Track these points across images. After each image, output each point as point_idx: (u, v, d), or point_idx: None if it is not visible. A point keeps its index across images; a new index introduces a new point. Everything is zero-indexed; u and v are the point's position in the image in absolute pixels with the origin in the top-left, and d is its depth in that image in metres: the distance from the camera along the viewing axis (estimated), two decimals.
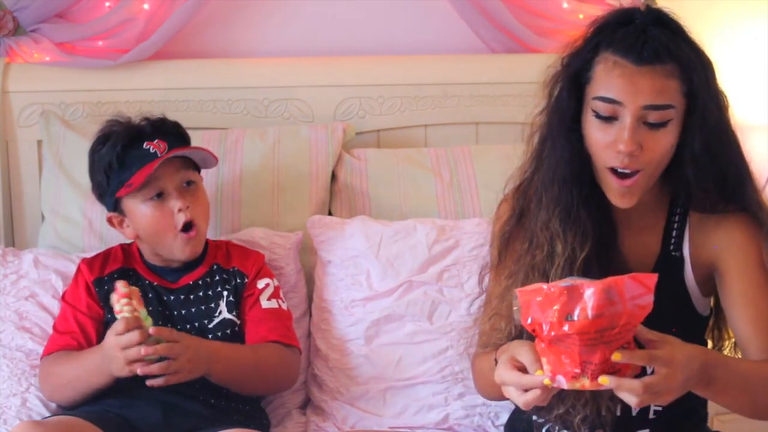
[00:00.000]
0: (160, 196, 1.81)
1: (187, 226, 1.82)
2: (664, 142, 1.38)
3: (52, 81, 2.34)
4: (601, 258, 1.46)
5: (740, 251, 1.43)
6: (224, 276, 1.87)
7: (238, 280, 1.87)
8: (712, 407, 1.67)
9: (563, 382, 1.15)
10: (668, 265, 1.48)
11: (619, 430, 1.50)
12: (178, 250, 1.82)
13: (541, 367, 1.19)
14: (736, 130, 1.46)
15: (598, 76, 1.40)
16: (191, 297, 1.85)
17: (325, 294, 2.03)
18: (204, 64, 2.42)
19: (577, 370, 1.14)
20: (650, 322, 1.45)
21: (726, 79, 2.65)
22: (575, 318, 1.08)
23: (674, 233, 1.48)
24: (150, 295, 1.83)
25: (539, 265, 1.46)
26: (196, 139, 2.25)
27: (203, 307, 1.84)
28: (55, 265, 2.03)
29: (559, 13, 2.47)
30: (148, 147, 1.80)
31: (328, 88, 2.39)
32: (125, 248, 1.92)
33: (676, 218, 1.49)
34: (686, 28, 1.43)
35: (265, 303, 1.85)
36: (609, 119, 1.39)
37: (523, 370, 1.23)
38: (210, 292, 1.85)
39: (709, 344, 1.59)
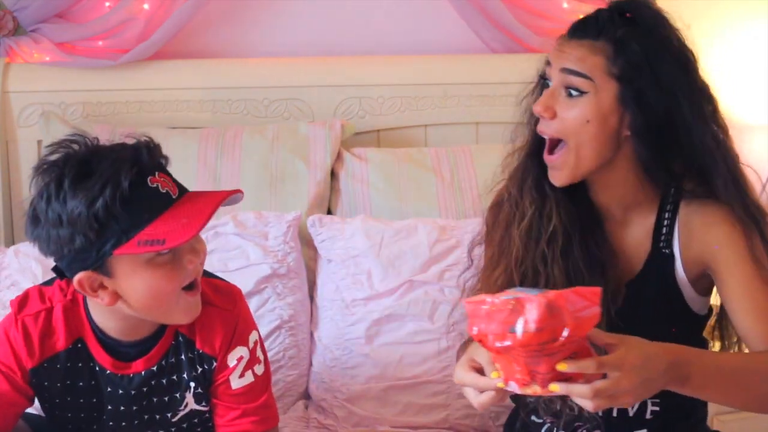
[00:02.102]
0: (172, 249, 1.36)
1: (192, 283, 1.42)
2: (577, 113, 1.40)
3: (52, 81, 2.34)
4: (585, 253, 1.47)
5: (729, 245, 1.43)
6: (189, 355, 1.49)
7: (206, 366, 1.50)
8: (712, 406, 1.67)
9: (516, 388, 1.16)
10: (659, 262, 1.49)
11: (617, 430, 1.51)
12: (182, 313, 1.43)
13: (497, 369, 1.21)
14: (705, 126, 1.43)
15: None
16: (152, 384, 1.49)
17: (325, 293, 2.03)
18: (204, 64, 2.42)
19: (527, 378, 1.15)
20: (646, 321, 1.46)
21: (726, 79, 2.66)
22: (517, 331, 1.09)
23: (664, 230, 1.49)
24: (106, 388, 1.49)
25: (516, 247, 1.50)
26: (195, 138, 2.25)
27: (166, 399, 1.51)
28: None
29: (559, 13, 2.47)
30: (155, 185, 1.33)
31: (328, 88, 2.40)
32: (67, 307, 1.47)
33: (666, 215, 1.49)
34: (656, 21, 1.43)
35: (236, 383, 1.51)
36: (546, 85, 1.46)
37: (481, 371, 1.23)
38: (174, 377, 1.50)
39: (713, 343, 1.59)
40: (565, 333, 1.08)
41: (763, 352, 1.37)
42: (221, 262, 1.99)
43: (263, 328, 1.94)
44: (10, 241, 2.33)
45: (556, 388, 1.13)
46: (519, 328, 1.08)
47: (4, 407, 1.46)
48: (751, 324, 1.39)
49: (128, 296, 1.38)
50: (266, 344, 1.93)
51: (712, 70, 2.43)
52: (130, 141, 1.37)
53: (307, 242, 2.11)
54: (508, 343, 1.09)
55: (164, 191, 1.34)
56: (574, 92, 1.41)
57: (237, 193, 1.41)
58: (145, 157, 1.34)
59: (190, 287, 1.42)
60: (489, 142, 2.39)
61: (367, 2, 2.50)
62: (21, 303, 1.48)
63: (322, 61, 2.45)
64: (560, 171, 1.44)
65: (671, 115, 1.40)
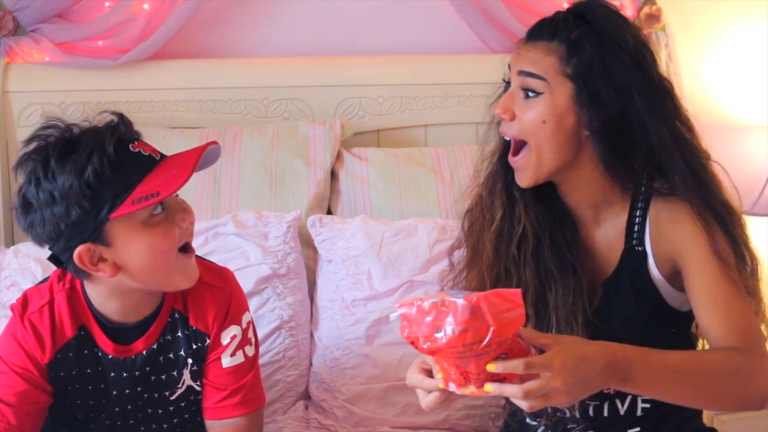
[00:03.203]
0: (164, 208, 1.42)
1: (186, 245, 1.47)
2: (533, 114, 1.43)
3: (52, 81, 2.34)
4: (556, 254, 1.49)
5: (692, 242, 1.44)
6: (185, 332, 1.53)
7: (200, 344, 1.54)
8: None
9: (455, 389, 1.19)
10: (632, 260, 1.49)
11: (610, 429, 1.52)
12: (181, 276, 1.46)
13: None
14: (662, 123, 1.43)
15: None
16: (153, 362, 1.53)
17: (325, 293, 2.03)
18: (204, 64, 2.42)
19: (462, 379, 1.17)
20: (624, 319, 1.47)
21: (726, 79, 2.65)
22: (443, 333, 1.11)
23: (636, 228, 1.49)
24: (110, 373, 1.52)
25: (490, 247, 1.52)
26: (195, 138, 2.25)
27: (164, 377, 1.54)
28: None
29: None
30: (137, 150, 1.39)
31: (328, 88, 2.40)
32: (68, 294, 1.50)
33: (638, 213, 1.50)
34: (611, 22, 1.44)
35: (226, 361, 1.54)
36: (508, 89, 1.48)
37: (430, 373, 1.25)
38: (172, 356, 1.53)
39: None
40: (490, 334, 1.09)
41: (714, 351, 1.37)
42: (221, 263, 1.98)
43: (263, 329, 1.94)
44: (10, 241, 2.33)
45: (490, 388, 1.15)
46: (444, 330, 1.11)
47: (28, 406, 1.49)
48: (710, 321, 1.39)
49: (128, 264, 1.41)
50: (266, 344, 1.95)
51: (712, 70, 2.44)
52: (104, 119, 1.41)
53: (307, 242, 2.11)
54: (435, 345, 1.12)
55: (147, 154, 1.40)
56: (530, 93, 1.43)
57: (214, 144, 1.45)
58: (122, 128, 1.40)
59: (185, 250, 1.46)
60: None
61: (366, 2, 2.50)
62: (23, 304, 1.51)
63: (322, 61, 2.45)
64: (523, 172, 1.46)
65: (626, 114, 1.42)
